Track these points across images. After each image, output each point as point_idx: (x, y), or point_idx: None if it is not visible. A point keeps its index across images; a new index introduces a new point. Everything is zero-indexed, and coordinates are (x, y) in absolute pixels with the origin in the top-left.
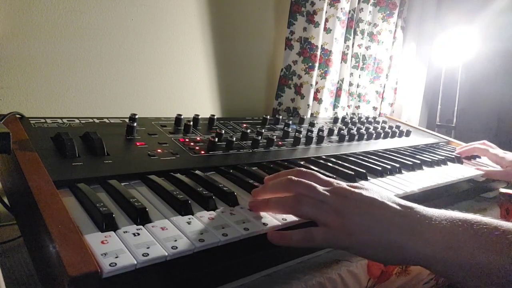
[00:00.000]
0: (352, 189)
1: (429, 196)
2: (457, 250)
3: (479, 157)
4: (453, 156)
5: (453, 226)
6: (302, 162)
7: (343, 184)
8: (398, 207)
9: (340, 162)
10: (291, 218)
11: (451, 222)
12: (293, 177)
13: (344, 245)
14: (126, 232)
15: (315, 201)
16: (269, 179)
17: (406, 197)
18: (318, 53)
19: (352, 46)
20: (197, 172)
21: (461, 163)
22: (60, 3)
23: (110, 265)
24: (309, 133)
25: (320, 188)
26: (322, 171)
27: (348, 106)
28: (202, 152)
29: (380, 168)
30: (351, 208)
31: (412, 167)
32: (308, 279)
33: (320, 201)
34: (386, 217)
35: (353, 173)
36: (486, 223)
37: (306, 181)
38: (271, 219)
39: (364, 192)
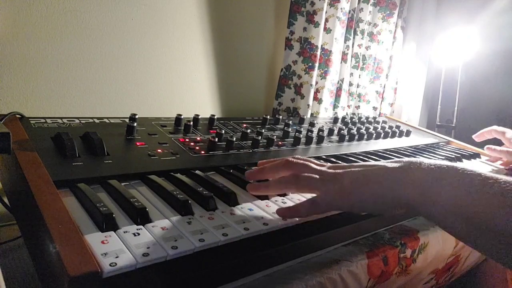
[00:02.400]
0: (346, 165)
1: None
2: (441, 191)
3: (480, 156)
4: (453, 156)
5: (440, 169)
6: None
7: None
8: (388, 164)
9: (340, 162)
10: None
11: (439, 167)
12: (290, 158)
13: (346, 205)
14: (126, 232)
15: (313, 175)
16: (263, 163)
17: None
18: (318, 53)
19: (352, 46)
20: (197, 172)
21: (461, 162)
22: (60, 3)
23: (110, 265)
24: (309, 133)
25: (315, 165)
26: None
27: (348, 106)
28: (202, 152)
29: None
30: (346, 175)
31: None
32: (308, 279)
33: (318, 175)
34: (377, 174)
35: None
36: (471, 170)
37: (301, 160)
38: (271, 219)
39: (362, 162)
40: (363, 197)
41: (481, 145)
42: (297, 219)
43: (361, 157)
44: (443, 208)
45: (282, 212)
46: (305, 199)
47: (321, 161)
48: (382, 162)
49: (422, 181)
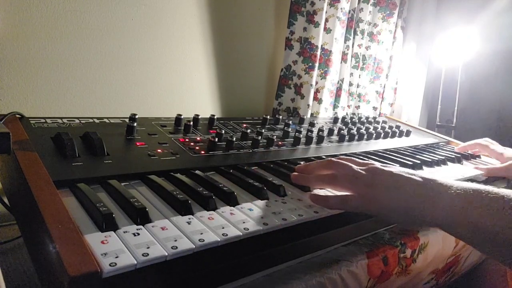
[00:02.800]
0: (383, 167)
1: None
2: (466, 215)
3: (480, 157)
4: (453, 156)
5: (466, 194)
6: (302, 162)
7: (377, 164)
8: (420, 179)
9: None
10: (291, 218)
11: (465, 191)
12: (333, 159)
13: (373, 210)
14: (126, 232)
15: (350, 177)
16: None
17: None
18: (318, 53)
19: (352, 46)
20: (197, 172)
21: (461, 163)
22: (60, 3)
23: (110, 265)
24: (309, 133)
25: (355, 167)
26: None
27: (348, 106)
28: (202, 152)
29: None
30: (380, 182)
31: (412, 167)
32: (308, 279)
33: (354, 177)
34: (409, 188)
35: None
36: (496, 193)
37: (343, 161)
38: (271, 219)
39: (393, 170)
40: (391, 208)
41: None
42: (296, 218)
43: (361, 157)
44: (469, 230)
45: (313, 197)
46: (304, 201)
47: (365, 159)
48: (411, 175)
49: (451, 206)
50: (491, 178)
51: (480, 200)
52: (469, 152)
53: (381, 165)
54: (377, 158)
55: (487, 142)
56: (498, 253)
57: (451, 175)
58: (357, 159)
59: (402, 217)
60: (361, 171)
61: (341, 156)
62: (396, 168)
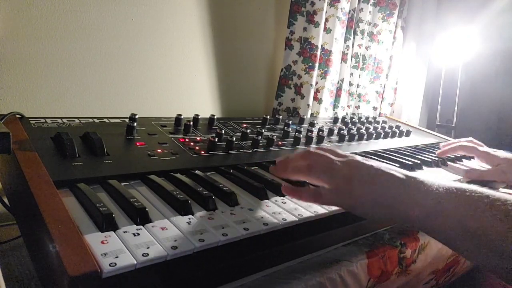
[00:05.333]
0: (363, 161)
1: None
2: (447, 214)
3: (467, 158)
4: (453, 156)
5: (447, 192)
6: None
7: (358, 157)
8: (401, 176)
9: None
10: (291, 218)
11: (446, 189)
12: (311, 150)
13: (347, 204)
14: (126, 232)
15: (326, 168)
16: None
17: None
18: (318, 53)
19: (352, 46)
20: (197, 172)
21: (461, 161)
22: (60, 3)
23: (110, 265)
24: (309, 133)
25: (334, 158)
26: None
27: (348, 106)
28: (202, 152)
29: None
30: (358, 177)
31: (412, 167)
32: (308, 279)
33: (331, 168)
34: (388, 184)
35: None
36: (480, 192)
37: (321, 152)
38: (271, 219)
39: (374, 164)
40: (367, 204)
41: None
42: (296, 218)
43: (361, 157)
44: (450, 229)
45: (286, 189)
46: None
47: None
48: (393, 171)
49: (430, 204)
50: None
51: (464, 199)
52: (453, 155)
53: (362, 159)
54: (377, 158)
55: (472, 143)
56: (479, 255)
57: (451, 175)
58: (337, 151)
59: (375, 212)
60: (338, 162)
61: (322, 147)
62: (376, 163)
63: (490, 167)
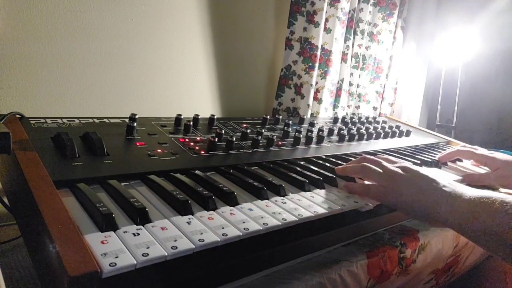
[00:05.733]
0: (411, 166)
1: None
2: (478, 221)
3: (461, 161)
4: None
5: (480, 202)
6: (302, 162)
7: (407, 163)
8: (441, 183)
9: (340, 162)
10: (291, 218)
11: (479, 199)
12: (366, 155)
13: (391, 202)
14: (126, 232)
15: (377, 170)
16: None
17: None
18: (318, 53)
19: (352, 46)
20: (197, 172)
21: (461, 161)
22: (60, 3)
23: (110, 265)
24: (309, 133)
25: (385, 163)
26: (322, 171)
27: (348, 106)
28: (202, 152)
29: None
30: (405, 179)
31: None
32: (308, 279)
33: (382, 170)
34: (429, 188)
35: None
36: (509, 202)
37: (374, 157)
38: (271, 219)
39: (420, 170)
40: (409, 203)
41: (481, 145)
42: (296, 218)
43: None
44: (476, 231)
45: (347, 186)
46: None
47: (396, 160)
48: (436, 178)
49: (463, 210)
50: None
51: (488, 205)
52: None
53: (409, 164)
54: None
55: (468, 148)
56: (501, 251)
57: (451, 175)
58: (390, 157)
59: (417, 213)
60: (389, 166)
61: (378, 155)
62: (423, 169)
63: (489, 170)
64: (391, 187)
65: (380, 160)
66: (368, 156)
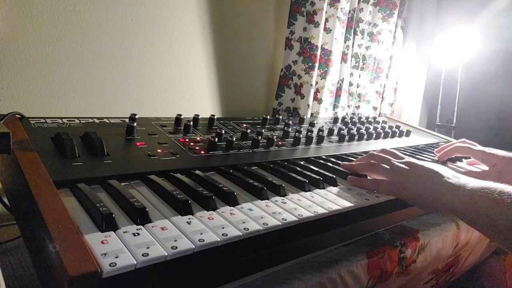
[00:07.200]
0: (417, 161)
1: None
2: (480, 209)
3: (460, 160)
4: (453, 156)
5: (481, 191)
6: (302, 162)
7: (412, 159)
8: (445, 175)
9: (340, 162)
10: (291, 218)
11: (480, 189)
12: (374, 152)
13: (401, 194)
14: (126, 232)
15: (386, 166)
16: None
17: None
18: (318, 53)
19: (352, 46)
20: (197, 172)
21: (461, 161)
22: (60, 3)
23: (110, 265)
24: (309, 133)
25: (392, 160)
26: (322, 171)
27: (348, 106)
28: (202, 152)
29: None
30: (413, 173)
31: None
32: (308, 279)
33: (390, 167)
34: (434, 180)
35: None
36: (509, 192)
37: (382, 154)
38: (271, 219)
39: (425, 164)
40: (418, 195)
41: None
42: (296, 218)
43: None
44: (478, 218)
45: (351, 179)
46: (303, 201)
47: (402, 155)
48: (440, 171)
49: (467, 199)
50: None
51: (488, 195)
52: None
53: (415, 160)
54: None
55: (466, 143)
56: (498, 238)
57: None
58: (396, 152)
59: (426, 203)
60: (397, 163)
61: (385, 149)
62: (428, 163)
63: (487, 167)
64: (399, 181)
65: (388, 157)
66: (376, 153)
